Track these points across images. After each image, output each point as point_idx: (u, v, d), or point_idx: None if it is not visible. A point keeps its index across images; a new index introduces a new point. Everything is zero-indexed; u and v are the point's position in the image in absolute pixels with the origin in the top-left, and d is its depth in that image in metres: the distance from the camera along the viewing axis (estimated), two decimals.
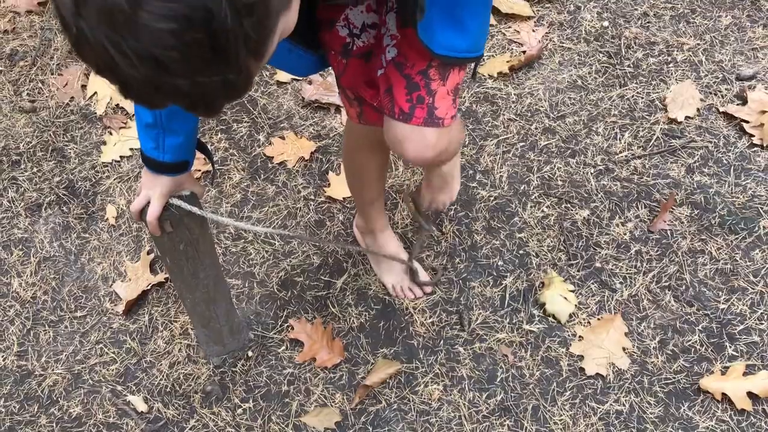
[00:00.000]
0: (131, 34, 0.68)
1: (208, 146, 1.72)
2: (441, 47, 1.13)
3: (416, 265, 1.84)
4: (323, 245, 1.88)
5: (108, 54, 0.69)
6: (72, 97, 2.34)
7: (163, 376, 1.78)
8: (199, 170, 2.10)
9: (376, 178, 1.64)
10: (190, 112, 0.83)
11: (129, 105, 2.28)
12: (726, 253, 1.83)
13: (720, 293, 1.77)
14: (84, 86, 2.36)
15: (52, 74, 2.40)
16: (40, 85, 2.38)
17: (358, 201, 1.79)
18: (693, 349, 1.70)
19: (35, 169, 2.19)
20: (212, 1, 0.67)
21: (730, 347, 1.69)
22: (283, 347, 1.80)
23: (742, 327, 1.72)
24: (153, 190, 1.35)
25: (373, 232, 1.82)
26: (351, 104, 1.39)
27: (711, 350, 1.70)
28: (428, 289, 1.84)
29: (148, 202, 1.37)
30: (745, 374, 1.64)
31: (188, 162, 1.37)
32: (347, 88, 1.35)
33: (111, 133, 2.23)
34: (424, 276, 1.84)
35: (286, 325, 1.83)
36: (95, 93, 2.33)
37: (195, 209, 1.40)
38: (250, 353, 1.79)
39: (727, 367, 1.66)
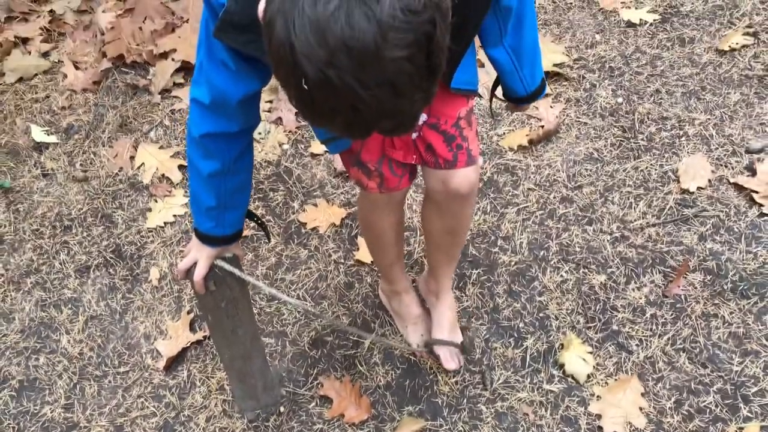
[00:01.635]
0: (376, 67, 0.82)
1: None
2: (457, 83, 1.38)
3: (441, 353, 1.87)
4: (343, 329, 1.97)
5: (352, 91, 0.82)
6: (121, 168, 2.53)
7: (200, 429, 1.87)
8: None
9: (395, 241, 1.76)
10: (393, 133, 0.97)
11: (174, 175, 2.46)
12: (738, 317, 1.90)
13: (733, 356, 1.84)
14: (132, 158, 2.55)
15: (104, 146, 2.60)
16: (92, 156, 2.58)
17: (379, 265, 1.91)
18: (708, 410, 1.76)
19: (85, 234, 2.35)
20: (431, 25, 0.83)
21: (745, 408, 1.75)
22: (314, 403, 1.89)
23: (756, 389, 1.78)
24: (201, 252, 1.49)
25: (398, 293, 1.93)
26: (371, 177, 1.50)
27: (726, 411, 1.75)
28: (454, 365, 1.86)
29: (195, 263, 1.51)
30: None
31: (242, 230, 1.51)
32: (367, 161, 1.48)
33: (156, 201, 2.40)
34: (446, 361, 1.87)
35: (316, 382, 1.93)
36: (142, 164, 2.52)
37: (237, 271, 1.53)
38: (282, 409, 1.88)
39: (742, 428, 1.71)
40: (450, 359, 1.85)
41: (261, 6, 0.92)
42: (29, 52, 2.95)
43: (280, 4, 0.83)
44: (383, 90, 0.83)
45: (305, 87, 0.84)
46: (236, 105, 1.25)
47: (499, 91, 1.57)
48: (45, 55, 2.97)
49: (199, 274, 1.49)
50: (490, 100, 1.62)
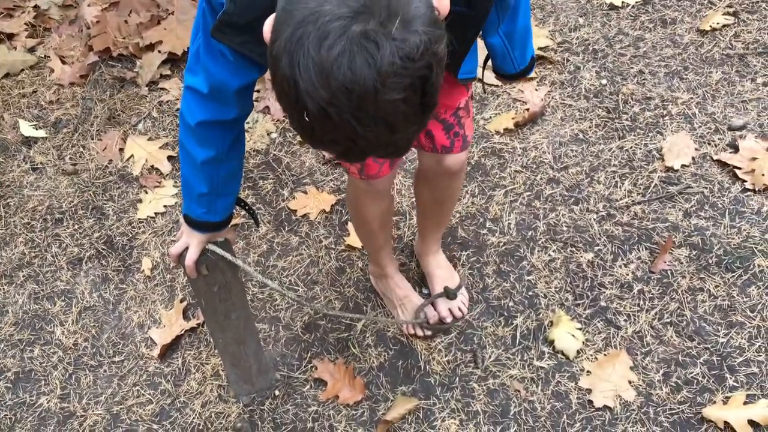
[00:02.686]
0: (374, 108, 0.85)
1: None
2: (462, 73, 1.45)
3: (430, 313, 1.95)
4: (330, 314, 2.00)
5: (350, 127, 0.86)
6: (110, 160, 2.54)
7: (195, 415, 1.89)
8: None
9: (380, 226, 1.79)
10: (386, 158, 1.01)
11: (163, 166, 2.47)
12: (724, 291, 1.93)
13: (719, 328, 1.87)
14: (121, 150, 2.56)
15: (92, 139, 2.61)
16: (81, 149, 2.59)
17: (367, 248, 1.94)
18: (695, 381, 1.80)
19: (76, 226, 2.36)
20: (428, 68, 0.86)
21: (731, 378, 1.78)
22: (308, 386, 1.92)
23: (741, 359, 1.81)
24: (192, 238, 1.51)
25: (385, 276, 1.96)
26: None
27: (712, 381, 1.79)
28: (432, 320, 1.94)
29: (187, 248, 1.52)
30: (745, 403, 1.73)
31: (232, 216, 1.53)
32: None
33: (146, 192, 2.41)
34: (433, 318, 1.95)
35: (310, 365, 1.95)
36: (132, 156, 2.53)
37: (228, 256, 1.55)
38: (277, 392, 1.91)
39: (729, 397, 1.75)
40: (448, 315, 1.96)
41: (267, 27, 0.94)
42: (15, 48, 2.96)
43: (287, 42, 0.86)
44: (379, 127, 0.87)
45: (306, 119, 0.88)
46: (234, 94, 1.27)
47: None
48: (31, 50, 2.97)
49: (190, 258, 1.50)
50: (482, 76, 1.64)
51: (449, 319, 1.95)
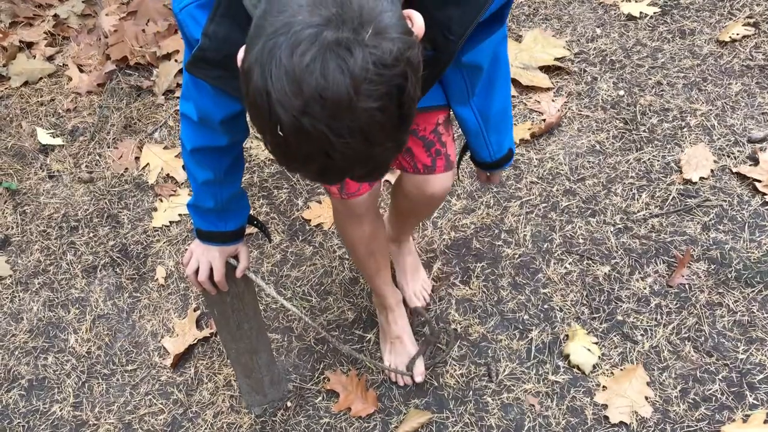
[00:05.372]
0: (349, 117, 0.83)
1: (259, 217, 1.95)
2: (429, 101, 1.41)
3: (417, 370, 1.88)
4: (337, 346, 1.96)
5: (326, 138, 0.83)
6: (126, 168, 2.55)
7: (207, 425, 1.89)
8: None
9: (367, 252, 1.71)
10: (365, 178, 0.98)
11: (179, 174, 2.48)
12: (743, 306, 1.90)
13: (739, 344, 1.84)
14: (137, 158, 2.57)
15: (109, 148, 2.62)
16: (97, 157, 2.60)
17: (363, 275, 1.89)
18: (714, 398, 1.76)
19: (92, 234, 2.37)
20: (403, 77, 0.84)
21: (750, 396, 1.75)
22: (320, 398, 1.90)
23: (761, 376, 1.78)
24: (211, 254, 1.50)
25: (384, 308, 1.89)
26: None
27: (731, 399, 1.75)
28: (419, 378, 1.88)
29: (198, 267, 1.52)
30: (766, 422, 1.69)
31: (245, 228, 1.54)
32: None
33: (161, 200, 2.42)
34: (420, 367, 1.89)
35: (322, 376, 1.94)
36: (147, 164, 2.53)
37: (253, 276, 1.55)
38: (289, 403, 1.90)
39: (748, 415, 1.71)
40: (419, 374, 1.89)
41: (240, 54, 0.93)
42: (34, 56, 2.98)
43: (258, 54, 0.84)
44: (355, 138, 0.85)
45: (280, 134, 0.86)
46: (219, 124, 1.28)
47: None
48: (50, 58, 2.99)
49: (219, 274, 1.51)
50: (458, 164, 1.63)
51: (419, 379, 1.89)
